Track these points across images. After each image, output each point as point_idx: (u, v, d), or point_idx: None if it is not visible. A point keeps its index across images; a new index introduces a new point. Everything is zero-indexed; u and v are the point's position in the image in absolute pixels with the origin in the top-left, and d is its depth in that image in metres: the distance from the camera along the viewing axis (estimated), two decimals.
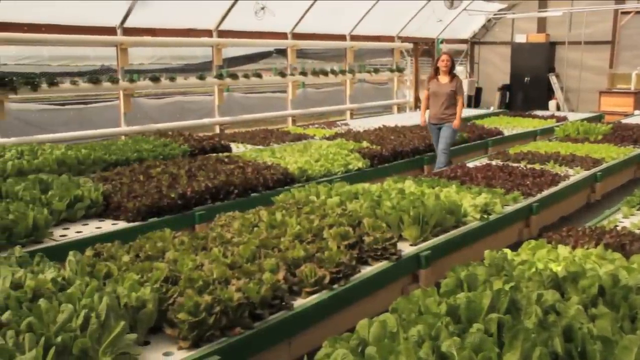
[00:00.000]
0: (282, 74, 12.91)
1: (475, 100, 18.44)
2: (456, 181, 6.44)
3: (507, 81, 18.52)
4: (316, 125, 12.23)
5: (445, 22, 16.93)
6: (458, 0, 14.88)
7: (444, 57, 8.59)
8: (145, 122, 11.02)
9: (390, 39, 16.21)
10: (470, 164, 7.84)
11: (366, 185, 5.97)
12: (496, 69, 19.15)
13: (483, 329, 2.52)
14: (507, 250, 4.02)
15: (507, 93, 18.52)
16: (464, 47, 19.40)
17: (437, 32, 17.55)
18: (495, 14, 18.56)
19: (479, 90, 18.88)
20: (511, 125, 12.37)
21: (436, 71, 8.65)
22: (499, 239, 5.54)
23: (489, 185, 6.34)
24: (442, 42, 17.74)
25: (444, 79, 8.58)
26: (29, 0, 8.90)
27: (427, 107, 8.94)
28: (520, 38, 18.06)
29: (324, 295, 3.67)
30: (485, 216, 5.41)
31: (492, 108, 17.18)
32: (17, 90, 8.81)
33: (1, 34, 8.72)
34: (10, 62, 9.73)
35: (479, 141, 10.32)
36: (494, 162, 7.94)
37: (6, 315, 2.79)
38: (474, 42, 19.56)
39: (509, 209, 5.80)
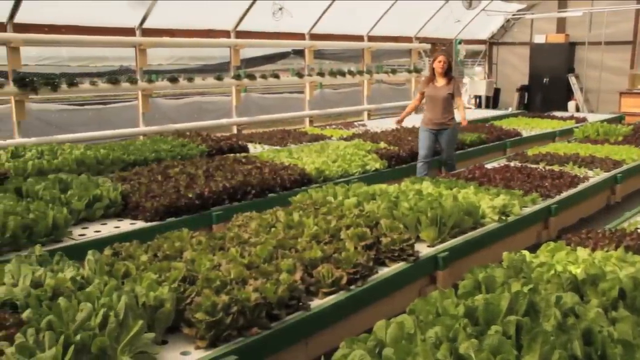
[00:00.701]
0: (300, 75, 12.92)
1: (493, 101, 18.33)
2: (474, 182, 6.40)
3: (525, 82, 18.39)
4: (333, 126, 12.22)
5: (463, 22, 16.84)
6: (477, 0, 14.80)
7: (440, 57, 7.95)
8: (163, 123, 11.08)
9: (408, 39, 16.16)
10: (489, 165, 7.79)
11: (383, 186, 5.96)
12: (515, 69, 19.02)
13: (501, 331, 2.51)
14: (526, 252, 3.99)
15: (526, 94, 18.39)
16: (482, 47, 19.29)
17: (455, 32, 17.46)
18: (514, 15, 18.44)
19: (497, 91, 18.76)
20: (530, 127, 12.28)
21: (432, 73, 8.04)
22: (517, 240, 5.50)
23: (507, 186, 6.30)
24: (460, 43, 17.66)
25: (440, 81, 7.98)
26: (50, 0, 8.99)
27: (411, 111, 8.60)
28: (539, 38, 17.92)
29: (341, 296, 3.67)
30: (504, 218, 5.38)
31: (510, 109, 17.07)
32: (37, 91, 8.90)
33: (22, 35, 8.80)
34: (31, 62, 9.82)
35: (497, 142, 10.26)
36: (512, 164, 7.88)
37: (27, 313, 2.83)
38: (493, 42, 19.44)
39: (528, 210, 5.75)
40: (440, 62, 7.89)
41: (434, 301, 2.95)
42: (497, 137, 10.44)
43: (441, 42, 17.56)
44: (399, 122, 8.53)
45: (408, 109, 8.60)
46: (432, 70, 8.01)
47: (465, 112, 8.26)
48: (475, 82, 18.03)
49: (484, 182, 6.53)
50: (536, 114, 14.54)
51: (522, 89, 18.39)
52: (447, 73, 7.94)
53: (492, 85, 18.32)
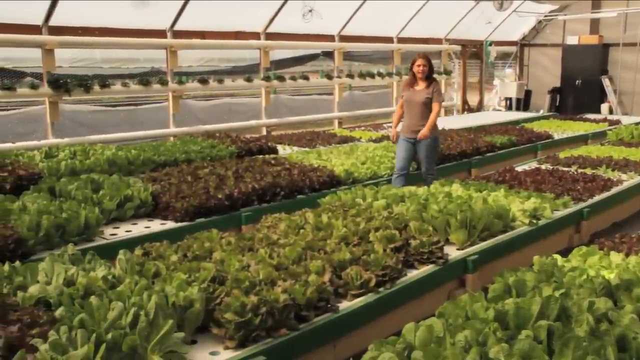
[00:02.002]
0: (329, 76, 12.92)
1: (524, 103, 18.12)
2: (504, 185, 6.34)
3: (557, 84, 18.14)
4: (362, 128, 12.21)
5: (494, 24, 16.69)
6: (508, 1, 14.65)
7: (419, 61, 7.06)
8: (193, 124, 11.17)
9: (437, 41, 16.07)
10: (519, 168, 7.70)
11: (412, 188, 5.93)
12: (546, 71, 18.77)
13: (532, 336, 2.48)
14: (557, 256, 3.94)
15: (558, 96, 18.14)
16: (513, 49, 19.09)
17: (486, 34, 17.31)
18: (546, 16, 18.21)
19: (528, 93, 18.54)
20: (561, 129, 12.12)
21: (413, 77, 7.17)
22: (548, 244, 5.42)
23: (538, 189, 6.22)
24: (490, 45, 17.50)
25: (420, 85, 7.11)
26: (82, 1, 9.12)
27: (398, 122, 7.47)
28: (572, 40, 17.66)
29: (369, 298, 3.66)
30: (534, 221, 5.31)
31: (541, 111, 16.86)
32: (70, 92, 9.04)
33: (57, 38, 8.95)
34: (65, 64, 9.98)
35: (527, 145, 10.15)
36: (543, 166, 7.78)
37: (59, 311, 2.87)
38: (524, 44, 19.23)
39: (559, 214, 5.67)
40: (419, 66, 7.04)
41: (464, 304, 2.93)
42: (528, 139, 10.33)
43: (471, 44, 17.42)
44: (394, 137, 7.36)
45: (394, 120, 7.55)
46: (412, 74, 7.17)
47: (435, 121, 7.09)
48: (505, 84, 17.85)
49: (514, 185, 6.47)
50: (568, 116, 14.35)
51: (553, 91, 18.15)
52: (429, 77, 7.12)
53: (522, 87, 18.11)
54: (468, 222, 4.70)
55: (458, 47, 16.49)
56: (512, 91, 17.73)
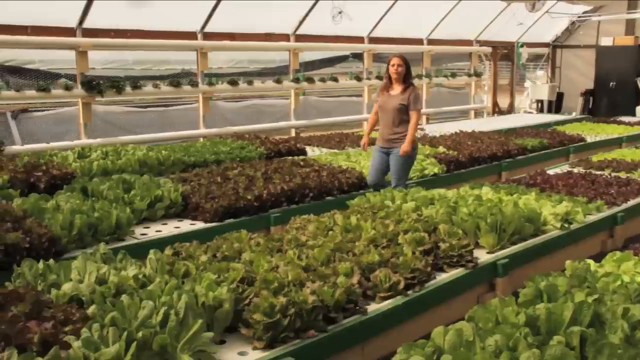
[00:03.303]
0: (358, 78, 12.90)
1: (556, 105, 17.88)
2: (535, 188, 6.26)
3: (590, 86, 17.85)
4: None
5: (526, 25, 16.49)
6: (540, 2, 14.47)
7: (393, 60, 6.42)
8: (223, 125, 11.25)
9: (468, 42, 15.95)
10: (550, 171, 7.61)
11: (442, 191, 5.89)
12: (579, 73, 18.49)
13: (564, 342, 2.44)
14: (590, 261, 3.88)
15: (591, 98, 17.86)
16: (545, 50, 18.85)
17: (517, 35, 17.12)
18: (579, 16, 17.94)
19: (560, 96, 18.28)
20: (594, 132, 11.93)
21: (389, 80, 6.53)
22: (580, 249, 5.34)
23: (570, 193, 6.14)
24: (522, 46, 17.30)
25: (395, 89, 6.46)
26: (116, 1, 9.25)
27: (371, 129, 6.93)
28: (606, 41, 17.37)
29: (398, 300, 3.64)
30: (566, 225, 5.23)
31: (574, 114, 16.61)
32: (103, 93, 9.16)
33: (91, 40, 9.09)
34: (97, 66, 10.14)
35: (559, 148, 10.02)
36: (575, 170, 7.68)
37: (92, 309, 2.92)
38: (556, 45, 18.97)
39: (592, 218, 5.59)
40: (394, 65, 6.40)
41: (494, 309, 2.90)
42: (560, 142, 10.19)
43: (502, 45, 17.26)
44: (364, 145, 6.89)
45: (367, 127, 6.91)
46: (388, 76, 6.52)
47: (415, 132, 6.44)
48: (537, 86, 17.63)
49: (545, 188, 6.39)
50: (601, 119, 14.12)
51: (586, 93, 17.87)
52: (406, 79, 6.45)
53: (554, 90, 17.87)
54: (498, 226, 4.65)
55: (489, 49, 16.34)
56: (544, 93, 17.50)
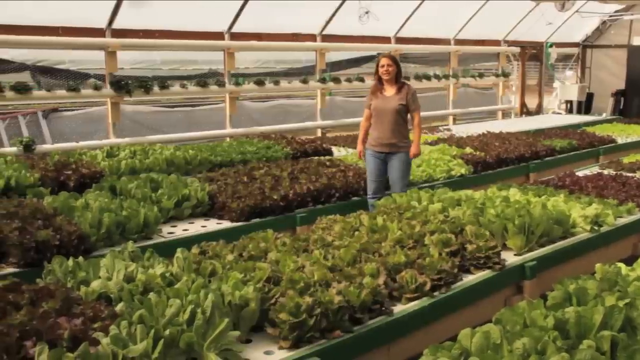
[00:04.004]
0: None
1: (586, 106, 17.62)
2: (564, 190, 6.18)
3: (621, 86, 17.56)
4: None
5: (555, 24, 16.29)
6: (570, 1, 14.28)
7: (382, 60, 6.13)
8: (249, 125, 11.30)
9: (496, 43, 15.80)
10: (580, 173, 7.50)
11: (469, 192, 5.84)
12: (610, 73, 18.20)
13: (594, 346, 2.41)
14: (621, 265, 3.81)
15: (622, 99, 17.57)
16: (574, 50, 18.60)
17: (546, 35, 16.92)
18: (610, 16, 17.67)
19: (590, 96, 18.01)
20: (625, 133, 11.73)
21: (379, 81, 6.22)
22: (610, 252, 5.26)
23: (600, 195, 6.04)
24: (551, 46, 17.09)
25: (389, 90, 6.17)
26: (145, 1, 9.35)
27: (365, 135, 6.41)
28: (638, 40, 17.08)
29: (424, 302, 3.62)
30: (596, 228, 5.16)
31: (604, 114, 16.36)
32: (131, 93, 9.27)
33: (120, 40, 9.20)
34: (126, 66, 10.25)
35: (589, 149, 9.88)
36: (605, 171, 7.55)
37: (120, 306, 2.95)
38: (586, 45, 18.71)
39: (623, 220, 5.49)
40: (383, 66, 6.10)
41: (522, 311, 2.87)
42: (590, 143, 10.05)
43: (531, 45, 17.07)
44: (360, 153, 6.52)
45: (360, 133, 6.51)
46: (378, 78, 6.22)
47: (421, 133, 6.31)
48: (566, 87, 17.40)
49: (574, 190, 6.29)
50: (633, 120, 13.88)
51: (617, 94, 17.58)
52: (398, 79, 6.19)
53: (584, 90, 17.62)
54: (526, 228, 4.60)
55: (517, 49, 16.19)
56: (573, 94, 17.27)
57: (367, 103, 6.35)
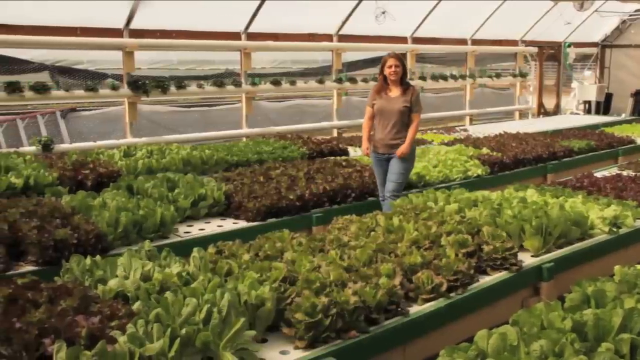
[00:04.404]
0: None
1: (604, 106, 17.46)
2: (582, 191, 6.12)
3: None
4: (434, 131, 12.06)
5: (573, 24, 16.16)
6: (589, 1, 14.16)
7: (390, 61, 6.03)
8: (265, 125, 11.33)
9: (513, 43, 15.71)
10: (598, 174, 7.43)
11: (486, 192, 5.81)
12: (629, 73, 18.02)
13: (613, 349, 2.38)
14: None
15: None
16: (593, 50, 18.44)
17: (565, 35, 16.79)
18: (630, 15, 17.49)
19: (609, 96, 17.85)
20: None
21: (384, 81, 6.16)
22: (630, 254, 5.20)
23: (619, 196, 5.98)
24: (569, 46, 16.96)
25: (394, 91, 6.11)
26: (163, 0, 9.39)
27: (368, 134, 6.37)
28: None
29: (440, 303, 3.61)
30: (615, 229, 5.11)
31: (623, 115, 16.20)
32: (148, 93, 9.32)
33: (137, 40, 9.25)
34: (143, 66, 10.31)
35: (607, 150, 9.79)
36: (625, 173, 7.48)
37: (137, 305, 2.96)
38: (605, 45, 18.54)
39: None
40: (391, 67, 6.02)
41: (539, 313, 2.85)
42: (608, 144, 9.96)
43: (549, 45, 16.95)
44: (366, 150, 6.39)
45: (364, 133, 6.44)
46: (383, 77, 6.15)
47: (415, 135, 6.20)
48: (584, 87, 17.25)
49: (592, 191, 6.24)
50: None
51: (637, 94, 17.40)
52: (403, 80, 6.13)
53: (603, 90, 17.46)
54: (544, 229, 4.57)
55: (534, 49, 16.08)
56: (592, 94, 17.12)
57: (370, 102, 6.27)
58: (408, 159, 6.12)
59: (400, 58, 6.11)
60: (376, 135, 6.22)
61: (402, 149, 6.01)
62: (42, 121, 11.01)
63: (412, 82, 12.53)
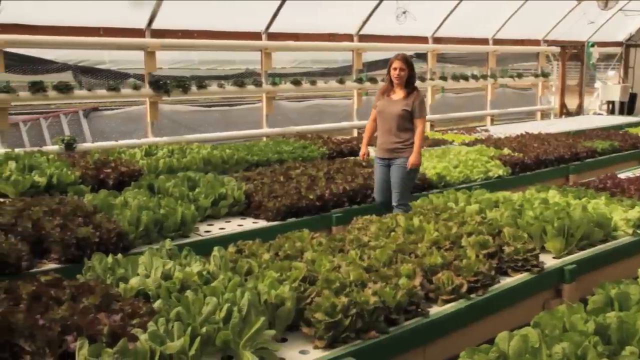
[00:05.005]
0: (422, 79, 12.77)
1: (628, 107, 17.24)
2: (605, 193, 6.04)
3: None
4: (455, 131, 12.00)
5: (597, 23, 15.97)
6: (613, 0, 13.99)
7: (395, 63, 5.77)
8: (285, 124, 11.34)
9: (535, 42, 15.56)
10: (622, 175, 7.33)
11: (507, 193, 5.77)
12: None
13: (638, 353, 2.35)
14: None
15: None
16: (617, 50, 18.21)
17: (588, 34, 16.61)
18: None
19: (633, 97, 17.61)
20: None
21: (390, 83, 5.92)
22: None
23: None
24: (592, 46, 16.77)
25: (397, 93, 5.85)
26: (185, 1, 9.44)
27: (370, 136, 6.24)
28: None
29: (461, 304, 3.59)
30: (639, 231, 5.04)
31: None
32: (170, 93, 9.38)
33: (159, 40, 9.31)
34: (165, 66, 10.37)
35: (631, 151, 9.67)
36: None
37: (158, 303, 2.99)
38: (630, 44, 18.29)
39: None
40: (396, 69, 5.76)
41: (561, 315, 2.82)
42: (632, 145, 9.85)
43: (572, 45, 16.77)
44: (363, 155, 6.29)
45: (365, 136, 6.30)
46: (389, 79, 5.91)
47: (422, 142, 5.96)
48: (608, 87, 17.05)
49: (616, 192, 6.16)
50: None
51: None
52: (409, 84, 5.85)
53: (627, 90, 17.23)
54: (566, 230, 4.52)
55: (557, 49, 15.91)
56: (615, 94, 16.91)
57: (375, 104, 6.06)
58: (414, 167, 5.82)
59: (407, 61, 5.85)
60: (378, 140, 6.01)
61: (412, 160, 5.75)
62: (65, 120, 11.14)
63: (433, 83, 12.65)
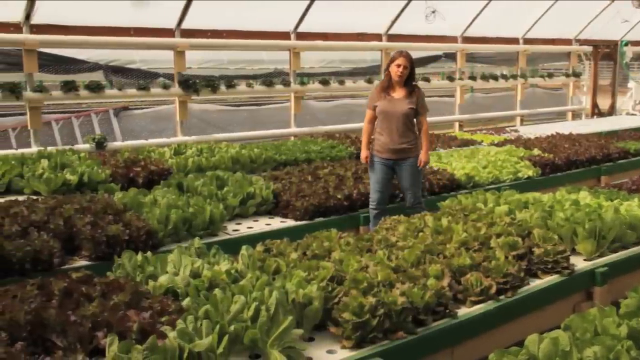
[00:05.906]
0: (451, 78, 12.69)
1: None
2: (639, 194, 5.94)
3: None
4: (484, 131, 11.90)
5: (631, 22, 15.69)
6: None
7: (399, 59, 5.62)
8: (313, 124, 11.35)
9: (567, 42, 15.34)
10: None
11: (537, 194, 5.70)
12: None
13: None
14: None
15: None
16: None
17: (621, 33, 16.33)
18: None
19: None
20: None
21: (389, 81, 5.76)
22: None
23: None
24: (626, 45, 16.48)
25: (398, 92, 5.71)
26: (214, 0, 9.51)
27: (369, 137, 5.95)
28: None
29: (489, 305, 3.55)
30: None
31: None
32: (199, 92, 9.45)
33: (188, 40, 9.39)
34: (194, 65, 10.46)
35: None
36: None
37: (186, 301, 3.01)
38: None
39: None
40: (399, 66, 5.61)
41: (592, 318, 2.78)
42: None
43: (604, 44, 16.50)
44: (366, 159, 5.93)
45: (364, 136, 5.99)
46: (388, 76, 5.75)
47: (430, 143, 5.89)
48: None
49: None
50: None
51: None
52: (409, 82, 5.73)
53: None
54: (597, 232, 4.45)
55: (589, 48, 15.67)
56: None
57: (371, 104, 5.83)
58: (417, 163, 5.76)
59: (411, 58, 5.71)
60: (380, 140, 5.80)
61: (424, 157, 5.73)
62: (96, 119, 11.31)
63: (462, 82, 12.55)
